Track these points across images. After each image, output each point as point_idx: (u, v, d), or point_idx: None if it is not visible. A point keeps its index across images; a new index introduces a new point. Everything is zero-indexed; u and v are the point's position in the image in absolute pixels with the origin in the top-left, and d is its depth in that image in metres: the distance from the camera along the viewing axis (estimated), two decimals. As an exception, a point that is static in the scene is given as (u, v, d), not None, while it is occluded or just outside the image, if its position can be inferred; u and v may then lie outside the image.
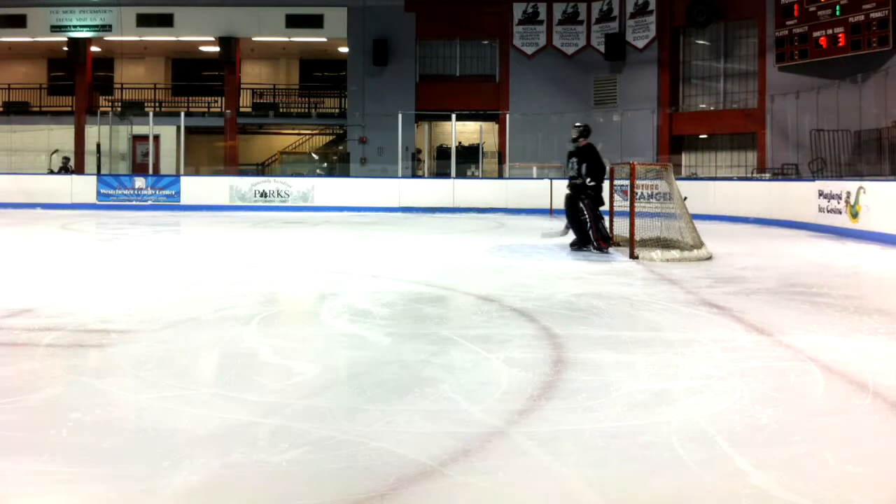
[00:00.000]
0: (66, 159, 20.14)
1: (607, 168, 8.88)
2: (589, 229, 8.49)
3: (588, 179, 8.40)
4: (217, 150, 23.03)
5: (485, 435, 2.57)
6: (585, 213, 8.49)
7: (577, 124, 8.75)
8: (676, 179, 9.38)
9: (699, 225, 8.74)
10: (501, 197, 17.88)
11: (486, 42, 22.27)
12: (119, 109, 23.05)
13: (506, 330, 4.30)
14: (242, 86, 24.26)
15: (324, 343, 4.03)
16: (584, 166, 8.46)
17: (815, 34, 16.69)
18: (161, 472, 2.25)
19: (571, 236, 8.87)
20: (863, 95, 14.99)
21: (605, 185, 8.78)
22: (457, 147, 19.74)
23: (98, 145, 20.61)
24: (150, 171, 19.49)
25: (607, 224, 8.82)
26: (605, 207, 8.78)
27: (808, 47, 16.85)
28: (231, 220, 14.68)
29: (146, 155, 20.40)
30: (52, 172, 19.82)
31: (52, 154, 20.46)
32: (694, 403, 2.96)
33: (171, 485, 2.17)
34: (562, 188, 9.23)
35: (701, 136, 20.47)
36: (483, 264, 7.70)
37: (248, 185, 18.46)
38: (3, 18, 22.09)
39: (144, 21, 22.20)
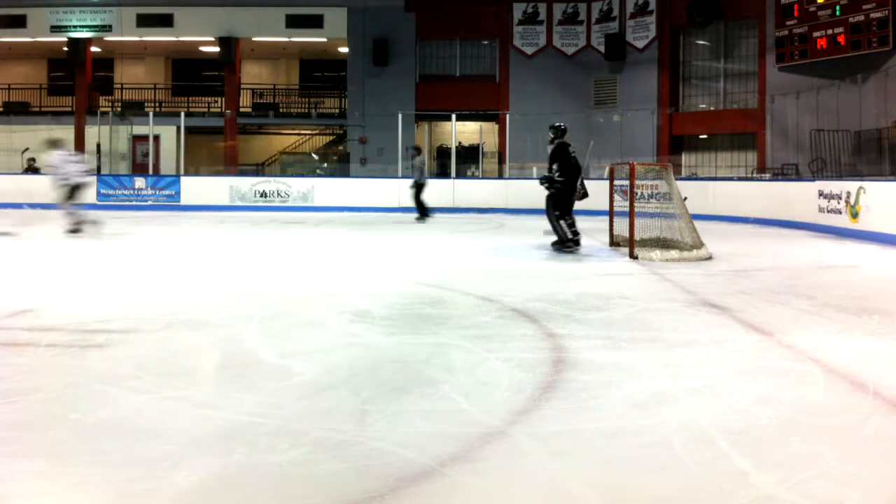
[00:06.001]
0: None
1: (583, 167, 8.97)
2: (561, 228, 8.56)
3: (557, 175, 8.50)
4: (217, 150, 23.01)
5: (485, 435, 2.57)
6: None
7: (553, 124, 8.80)
8: (676, 179, 9.38)
9: (699, 225, 8.74)
10: (501, 197, 17.86)
11: (486, 42, 22.26)
12: (119, 109, 23.02)
13: (506, 330, 4.30)
14: (242, 86, 24.24)
15: (324, 343, 4.03)
16: (555, 165, 8.53)
17: (815, 34, 16.67)
18: (161, 472, 2.25)
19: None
20: (863, 95, 14.98)
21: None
22: (457, 147, 19.73)
23: (98, 145, 20.59)
24: (150, 172, 19.47)
25: (578, 223, 8.79)
26: (577, 206, 8.76)
27: (808, 47, 16.84)
28: (231, 220, 14.67)
29: (146, 155, 20.39)
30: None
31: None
32: (694, 403, 2.96)
33: (171, 485, 2.17)
34: None
35: (701, 137, 20.46)
36: (483, 264, 7.70)
37: (248, 185, 18.45)
38: (3, 18, 22.07)
39: (144, 21, 22.19)
